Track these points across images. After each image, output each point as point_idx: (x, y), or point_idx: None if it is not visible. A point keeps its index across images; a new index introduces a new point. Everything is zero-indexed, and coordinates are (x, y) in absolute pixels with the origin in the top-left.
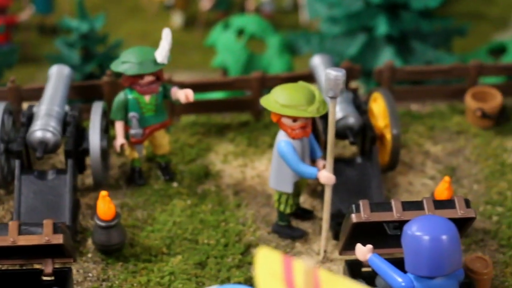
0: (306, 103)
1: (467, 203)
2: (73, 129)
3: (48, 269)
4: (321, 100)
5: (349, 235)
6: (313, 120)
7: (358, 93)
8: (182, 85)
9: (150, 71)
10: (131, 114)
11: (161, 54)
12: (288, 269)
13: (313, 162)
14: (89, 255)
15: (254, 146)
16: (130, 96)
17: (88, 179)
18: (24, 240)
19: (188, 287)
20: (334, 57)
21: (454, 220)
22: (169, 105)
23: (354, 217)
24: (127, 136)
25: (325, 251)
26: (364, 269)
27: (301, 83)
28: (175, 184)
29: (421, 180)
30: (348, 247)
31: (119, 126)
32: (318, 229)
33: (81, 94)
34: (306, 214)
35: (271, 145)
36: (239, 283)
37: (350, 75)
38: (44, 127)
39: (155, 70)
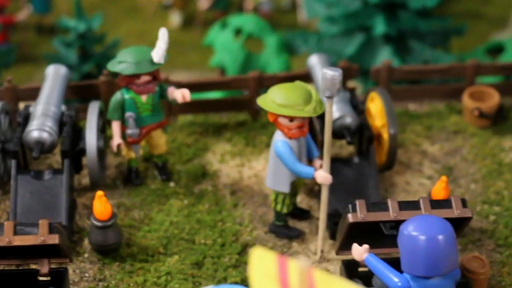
0: (303, 103)
1: (464, 203)
2: (69, 129)
3: (44, 269)
4: (318, 99)
5: (345, 235)
6: (310, 119)
7: (355, 93)
8: (179, 85)
9: (147, 71)
10: (128, 114)
11: (158, 53)
12: (283, 269)
13: (310, 161)
14: (86, 255)
15: (251, 145)
16: (127, 96)
17: (84, 179)
18: (20, 240)
19: (184, 287)
20: (332, 57)
21: (451, 220)
22: (167, 105)
23: (350, 217)
24: (123, 136)
25: (322, 251)
26: (360, 269)
27: (298, 83)
28: (172, 184)
29: (419, 180)
30: (345, 247)
31: (115, 126)
32: (315, 229)
33: (78, 94)
34: (303, 214)
35: (268, 145)
36: (236, 283)
37: (348, 75)
38: (40, 127)
39: (151, 70)
